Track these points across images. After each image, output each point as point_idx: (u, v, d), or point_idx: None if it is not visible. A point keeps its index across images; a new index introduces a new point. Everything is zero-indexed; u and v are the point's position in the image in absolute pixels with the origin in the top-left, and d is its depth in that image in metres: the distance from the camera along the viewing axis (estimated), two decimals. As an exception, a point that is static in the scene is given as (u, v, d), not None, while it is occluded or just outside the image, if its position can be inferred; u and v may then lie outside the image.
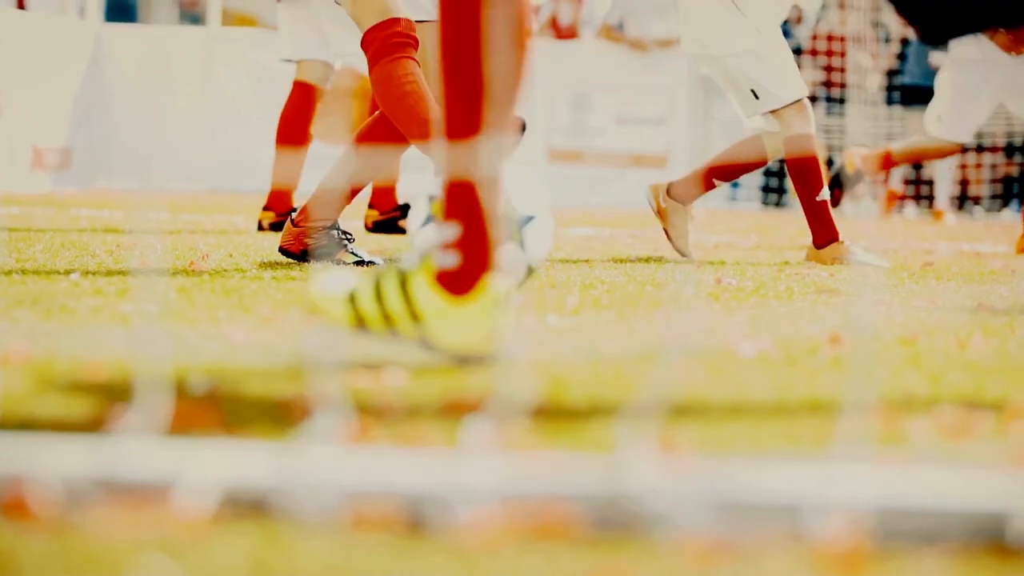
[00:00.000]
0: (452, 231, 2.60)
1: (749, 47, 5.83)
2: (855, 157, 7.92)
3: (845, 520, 1.51)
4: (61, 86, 12.15)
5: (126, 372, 2.34)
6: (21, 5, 13.37)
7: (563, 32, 14.13)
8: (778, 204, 14.31)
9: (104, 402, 2.09)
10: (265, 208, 7.02)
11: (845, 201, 7.92)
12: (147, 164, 13.29)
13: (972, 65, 7.87)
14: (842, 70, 14.03)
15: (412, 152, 4.95)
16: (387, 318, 2.63)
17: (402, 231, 7.22)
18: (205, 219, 7.80)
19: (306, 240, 4.84)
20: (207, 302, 3.44)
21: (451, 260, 2.60)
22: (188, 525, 1.52)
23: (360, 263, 4.78)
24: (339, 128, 11.40)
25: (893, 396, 2.37)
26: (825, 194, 5.89)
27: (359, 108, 11.92)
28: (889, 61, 14.09)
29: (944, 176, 13.81)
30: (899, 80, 14.09)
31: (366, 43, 4.63)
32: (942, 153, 8.20)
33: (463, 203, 2.59)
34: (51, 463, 1.59)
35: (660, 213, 6.08)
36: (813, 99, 6.88)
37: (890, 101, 13.95)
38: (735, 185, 13.83)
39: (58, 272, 4.07)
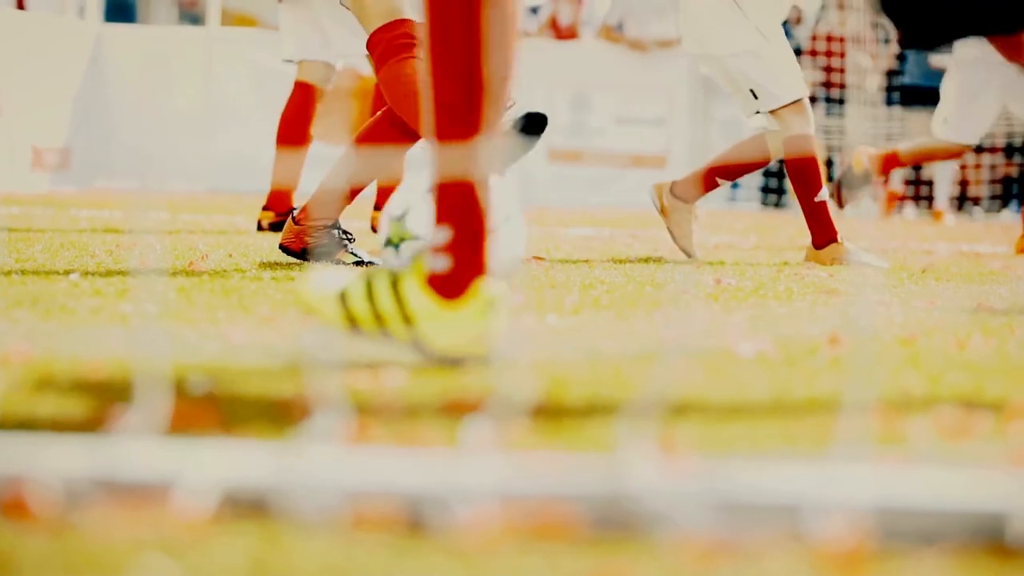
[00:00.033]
0: (443, 235, 2.59)
1: (749, 47, 5.83)
2: (863, 157, 7.92)
3: (844, 520, 1.51)
4: (61, 86, 12.15)
5: (125, 372, 2.34)
6: (21, 5, 13.37)
7: (563, 32, 14.13)
8: (778, 204, 14.31)
9: (103, 402, 2.09)
10: (265, 208, 7.02)
11: (851, 201, 7.92)
12: (147, 164, 13.29)
13: (975, 66, 7.87)
14: (842, 71, 14.02)
15: (415, 153, 4.96)
16: (379, 319, 2.63)
17: None
18: (204, 219, 7.80)
19: (306, 239, 4.84)
20: (206, 302, 3.44)
21: (442, 264, 2.59)
22: (188, 525, 1.52)
23: (360, 263, 4.78)
24: (339, 128, 11.40)
25: (892, 396, 2.37)
26: (824, 194, 5.89)
27: (359, 108, 11.91)
28: (888, 61, 14.09)
29: (944, 177, 13.82)
30: (899, 80, 14.10)
31: (372, 44, 4.63)
32: (949, 155, 8.20)
33: (454, 206, 2.58)
34: (51, 463, 1.59)
35: (664, 212, 6.08)
36: (813, 99, 6.87)
37: (890, 102, 13.96)
38: (735, 186, 13.83)
39: (57, 272, 4.07)
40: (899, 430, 2.07)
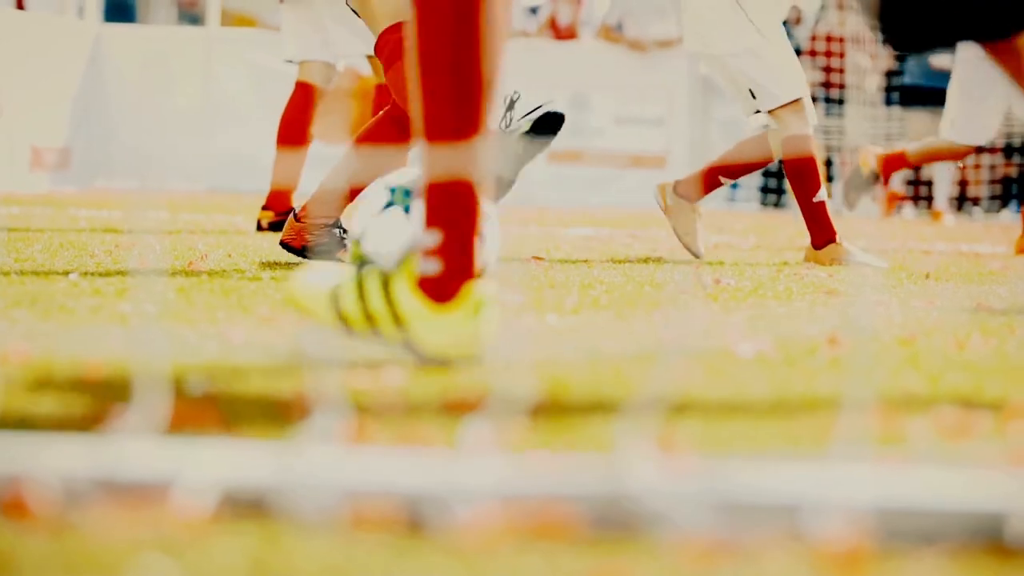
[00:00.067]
0: (433, 238, 2.58)
1: (749, 46, 5.82)
2: (870, 158, 7.91)
3: (844, 520, 1.51)
4: (60, 86, 12.15)
5: (125, 372, 2.34)
6: (20, 5, 13.37)
7: (562, 32, 14.13)
8: (777, 205, 14.31)
9: (103, 402, 2.09)
10: (264, 207, 7.03)
11: (859, 203, 7.91)
12: (146, 164, 13.29)
13: (977, 67, 7.86)
14: (841, 71, 14.03)
15: (416, 152, 4.96)
16: (369, 319, 2.62)
17: None
18: (204, 219, 7.80)
19: (307, 236, 4.85)
20: (206, 302, 3.44)
21: (432, 267, 2.58)
22: (187, 524, 1.52)
23: (359, 262, 4.79)
24: (339, 128, 11.40)
25: (892, 396, 2.37)
26: (823, 195, 5.88)
27: (359, 108, 11.92)
28: (888, 61, 14.09)
29: (943, 177, 13.81)
30: (898, 80, 14.10)
31: (380, 46, 4.63)
32: (957, 155, 8.18)
33: (444, 209, 2.57)
34: (50, 463, 1.59)
35: (668, 212, 6.07)
36: (813, 99, 6.87)
37: (889, 102, 13.96)
38: (734, 186, 13.83)
39: (57, 272, 4.07)
40: (898, 430, 2.07)
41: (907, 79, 13.98)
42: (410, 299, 2.59)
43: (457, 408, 2.12)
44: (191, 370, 2.40)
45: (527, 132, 4.49)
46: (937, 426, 2.11)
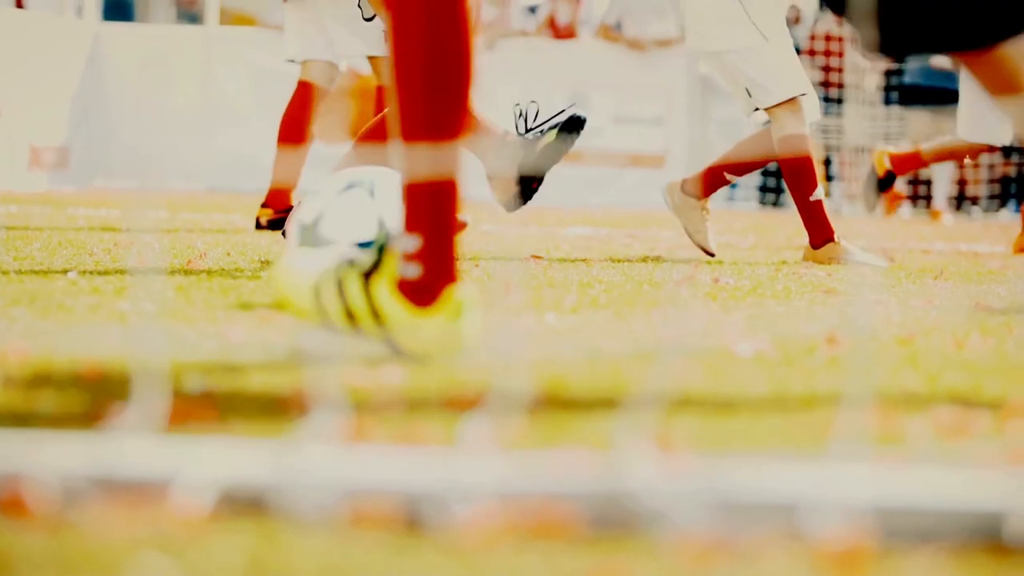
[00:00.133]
0: (413, 242, 2.57)
1: (748, 44, 5.82)
2: (884, 158, 7.90)
3: (842, 519, 1.51)
4: (59, 85, 12.15)
5: (123, 370, 2.34)
6: (19, 4, 13.37)
7: (561, 32, 14.13)
8: (776, 204, 14.32)
9: (101, 400, 2.09)
10: (264, 205, 7.03)
11: (858, 202, 7.91)
12: (145, 163, 13.29)
13: None
14: (840, 70, 14.03)
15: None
16: (350, 316, 2.63)
17: None
18: (203, 218, 7.80)
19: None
20: (205, 300, 3.43)
21: (413, 271, 2.58)
22: (185, 523, 1.52)
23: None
24: (339, 128, 11.40)
25: (890, 395, 2.37)
26: (819, 193, 5.88)
27: (359, 108, 11.91)
28: (887, 61, 14.10)
29: (942, 176, 13.82)
30: (898, 80, 14.10)
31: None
32: (972, 153, 8.16)
33: (424, 213, 2.56)
34: (48, 461, 1.59)
35: (677, 211, 6.08)
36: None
37: (888, 101, 13.96)
38: (733, 185, 13.83)
39: (55, 271, 4.07)
40: (897, 429, 2.07)
41: (907, 78, 13.98)
42: (391, 303, 2.59)
43: (456, 406, 2.12)
44: (190, 368, 2.40)
45: (556, 136, 4.51)
46: (936, 425, 2.11)
